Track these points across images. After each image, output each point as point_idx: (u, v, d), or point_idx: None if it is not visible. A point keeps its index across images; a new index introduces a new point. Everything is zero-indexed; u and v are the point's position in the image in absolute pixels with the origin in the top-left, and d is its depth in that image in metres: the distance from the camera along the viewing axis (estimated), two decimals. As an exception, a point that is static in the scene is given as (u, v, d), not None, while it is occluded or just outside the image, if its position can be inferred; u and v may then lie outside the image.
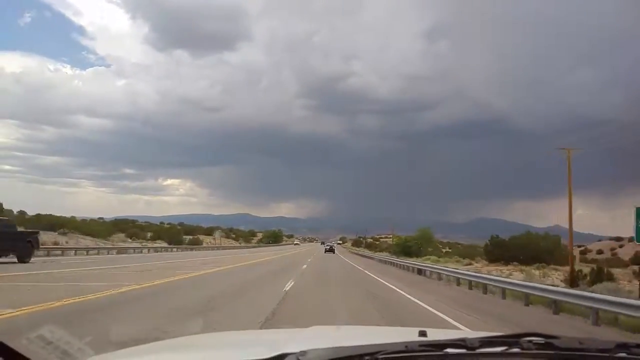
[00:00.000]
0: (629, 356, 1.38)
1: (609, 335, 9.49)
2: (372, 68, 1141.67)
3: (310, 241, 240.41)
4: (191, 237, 73.72)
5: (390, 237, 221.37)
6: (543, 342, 1.40)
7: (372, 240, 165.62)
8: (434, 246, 61.71)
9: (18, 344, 1.21)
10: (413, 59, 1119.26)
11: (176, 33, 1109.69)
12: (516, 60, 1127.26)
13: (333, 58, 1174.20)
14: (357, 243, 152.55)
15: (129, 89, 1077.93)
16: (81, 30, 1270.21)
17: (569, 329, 9.95)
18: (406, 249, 58.14)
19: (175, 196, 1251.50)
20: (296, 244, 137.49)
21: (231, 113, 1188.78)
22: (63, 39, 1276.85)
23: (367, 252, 78.79)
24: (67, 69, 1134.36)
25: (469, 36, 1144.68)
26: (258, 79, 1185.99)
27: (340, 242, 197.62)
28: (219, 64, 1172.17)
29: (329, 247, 74.16)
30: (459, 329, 8.51)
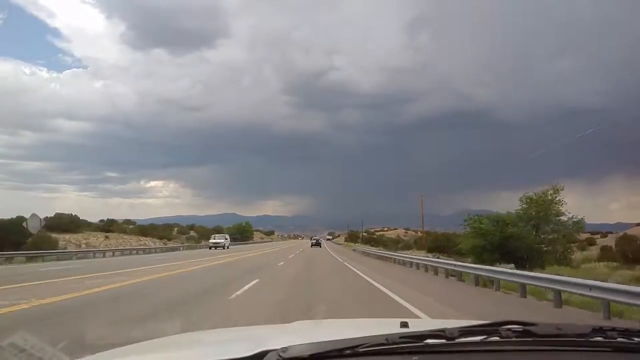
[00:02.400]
0: (605, 340, 1.39)
1: None
2: (354, 62, 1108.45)
3: (295, 238, 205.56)
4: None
5: (385, 231, 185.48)
6: (521, 329, 1.39)
7: (366, 234, 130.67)
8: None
9: None
10: (395, 52, 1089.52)
11: (154, 31, 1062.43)
12: (498, 51, 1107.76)
13: (314, 53, 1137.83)
14: (352, 237, 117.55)
15: (108, 91, 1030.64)
16: (56, 33, 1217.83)
17: None
18: (505, 244, 22.58)
19: (159, 198, 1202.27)
20: (213, 244, 50.38)
21: (213, 112, 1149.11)
22: (38, 42, 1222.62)
23: (387, 252, 42.30)
24: (44, 72, 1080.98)
25: (451, 28, 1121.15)
26: (239, 77, 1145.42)
27: (330, 237, 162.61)
28: (199, 62, 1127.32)
29: (315, 241, 74.72)
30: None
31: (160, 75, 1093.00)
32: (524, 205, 24.60)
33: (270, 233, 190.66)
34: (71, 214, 47.81)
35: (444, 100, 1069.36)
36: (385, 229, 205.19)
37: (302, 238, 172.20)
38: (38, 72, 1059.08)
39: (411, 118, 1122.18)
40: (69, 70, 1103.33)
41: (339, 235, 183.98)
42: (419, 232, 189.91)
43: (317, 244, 70.54)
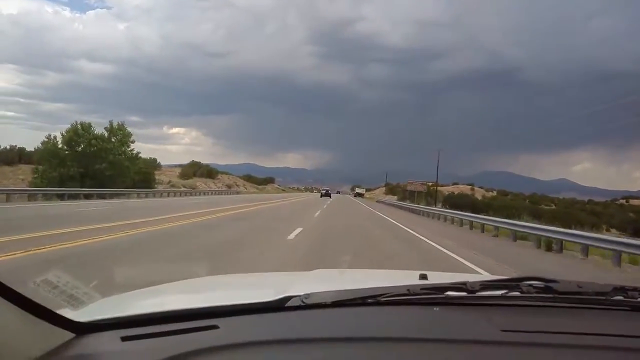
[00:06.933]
0: (626, 299, 1.41)
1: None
2: (383, 12, 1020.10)
3: (310, 191, 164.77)
4: None
5: (425, 185, 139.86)
6: (542, 285, 1.40)
7: (402, 188, 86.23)
8: None
9: (25, 289, 1.17)
10: (425, 3, 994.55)
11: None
12: (533, 7, 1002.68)
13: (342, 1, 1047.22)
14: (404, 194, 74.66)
15: (131, 33, 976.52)
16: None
17: None
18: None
19: (180, 145, 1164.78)
20: None
21: (236, 59, 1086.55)
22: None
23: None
24: (67, 12, 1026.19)
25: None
26: (263, 23, 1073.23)
27: (362, 190, 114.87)
28: (223, 6, 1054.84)
29: (324, 191, 72.13)
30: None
31: (184, 18, 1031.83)
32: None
33: (268, 181, 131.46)
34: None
35: (472, 57, 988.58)
36: (426, 183, 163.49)
37: (317, 191, 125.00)
38: (61, 12, 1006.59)
39: (437, 75, 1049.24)
40: (92, 11, 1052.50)
41: (368, 190, 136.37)
42: (478, 189, 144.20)
43: (327, 194, 68.83)
